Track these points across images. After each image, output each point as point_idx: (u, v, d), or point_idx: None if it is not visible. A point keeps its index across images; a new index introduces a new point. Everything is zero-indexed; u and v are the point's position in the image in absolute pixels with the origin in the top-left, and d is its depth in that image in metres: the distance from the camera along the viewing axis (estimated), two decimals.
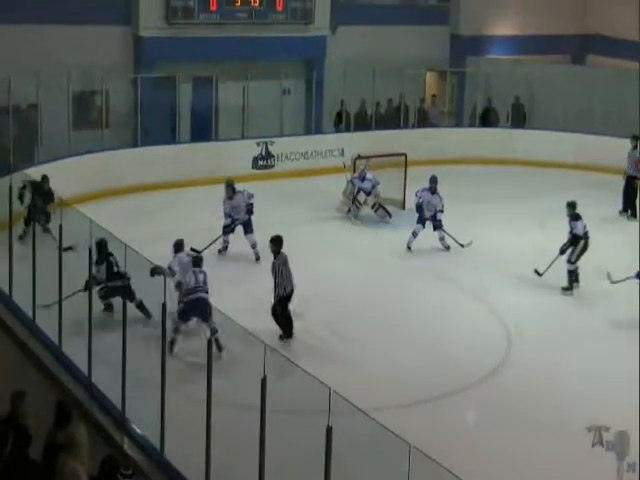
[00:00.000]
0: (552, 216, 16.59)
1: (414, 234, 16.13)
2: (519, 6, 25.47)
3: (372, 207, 17.79)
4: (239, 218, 15.64)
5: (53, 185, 14.63)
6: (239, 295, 12.96)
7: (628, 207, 18.49)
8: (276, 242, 12.28)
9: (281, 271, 12.00)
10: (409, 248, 16.10)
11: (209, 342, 7.86)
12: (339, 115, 22.73)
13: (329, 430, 6.73)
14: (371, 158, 18.70)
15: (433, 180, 16.21)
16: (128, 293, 10.96)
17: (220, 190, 15.98)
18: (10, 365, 10.34)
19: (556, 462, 9.40)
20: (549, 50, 25.39)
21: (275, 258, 12.16)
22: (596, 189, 19.33)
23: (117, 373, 9.00)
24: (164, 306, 8.35)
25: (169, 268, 12.21)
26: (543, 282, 14.47)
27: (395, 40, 23.50)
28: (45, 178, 14.98)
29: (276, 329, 12.12)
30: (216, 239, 15.50)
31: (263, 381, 7.26)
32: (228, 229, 15.68)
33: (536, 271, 14.66)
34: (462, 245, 15.94)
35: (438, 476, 6.25)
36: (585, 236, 14.35)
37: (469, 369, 11.57)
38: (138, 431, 8.71)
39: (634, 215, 18.36)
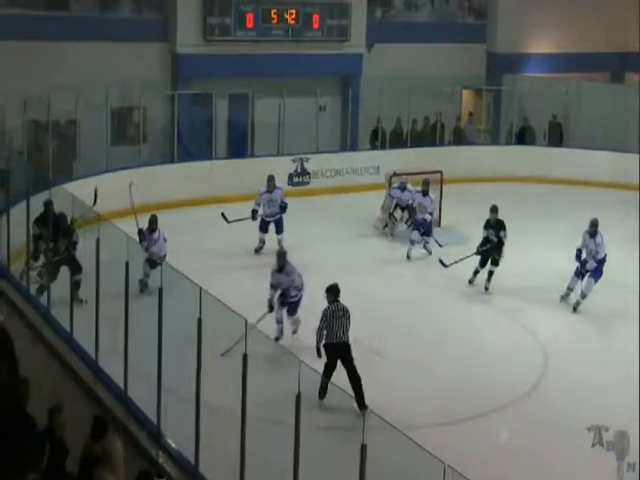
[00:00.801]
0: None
1: (412, 242, 16.51)
2: (557, 23, 25.34)
3: (406, 223, 17.75)
4: (271, 213, 16.13)
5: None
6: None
7: None
8: (332, 291, 11.29)
9: (326, 321, 11.01)
10: (408, 257, 16.43)
11: (244, 357, 7.85)
12: (375, 132, 22.74)
13: (363, 447, 6.72)
14: (406, 175, 18.68)
15: (425, 182, 16.87)
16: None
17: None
18: (48, 379, 10.40)
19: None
20: (587, 68, 25.23)
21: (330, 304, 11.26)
22: (632, 207, 19.17)
23: (153, 387, 9.03)
24: (199, 321, 8.36)
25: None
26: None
27: (431, 57, 23.52)
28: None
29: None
30: (246, 218, 16.21)
31: (298, 397, 7.26)
32: (264, 225, 16.22)
33: (441, 261, 15.19)
34: (440, 245, 16.35)
35: None
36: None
37: (505, 388, 11.51)
38: (173, 445, 8.73)
39: None
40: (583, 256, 14.27)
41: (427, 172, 18.46)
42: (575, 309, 14.22)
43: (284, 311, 12.53)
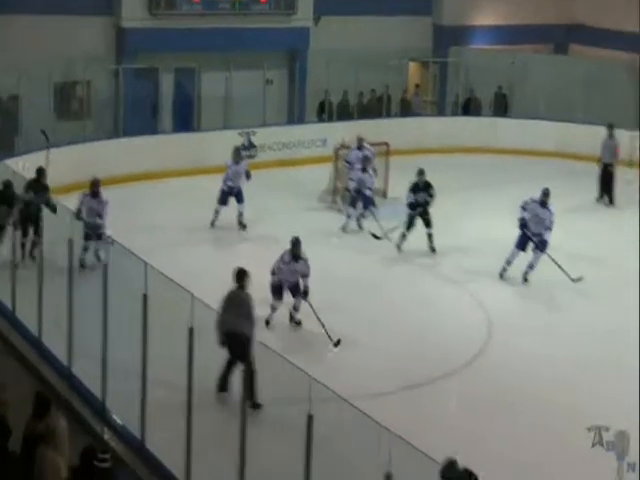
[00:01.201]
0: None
1: (349, 216, 16.55)
2: None
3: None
4: (237, 186, 16.23)
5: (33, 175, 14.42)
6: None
7: (604, 194, 18.62)
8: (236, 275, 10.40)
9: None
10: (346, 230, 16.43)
11: (190, 331, 7.81)
12: (322, 105, 22.70)
13: (310, 418, 6.73)
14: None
15: (364, 159, 16.67)
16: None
17: (202, 180, 15.99)
18: None
19: (535, 444, 9.48)
20: (532, 40, 25.44)
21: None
22: (576, 177, 19.44)
23: (98, 363, 8.96)
24: (145, 297, 8.30)
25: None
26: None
27: (378, 30, 23.49)
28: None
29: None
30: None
31: (245, 372, 7.25)
32: (225, 197, 16.15)
33: (373, 234, 15.44)
34: (378, 237, 15.85)
35: (419, 462, 6.28)
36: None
37: (451, 357, 11.61)
38: (118, 421, 8.68)
39: (611, 202, 18.51)
40: (533, 229, 14.12)
41: (374, 144, 18.48)
42: (526, 279, 14.23)
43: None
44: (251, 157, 20.40)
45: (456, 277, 14.44)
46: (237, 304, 9.88)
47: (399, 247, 15.45)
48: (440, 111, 25.09)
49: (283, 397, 9.13)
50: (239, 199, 16.28)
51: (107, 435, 8.48)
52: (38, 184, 13.79)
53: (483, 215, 17.47)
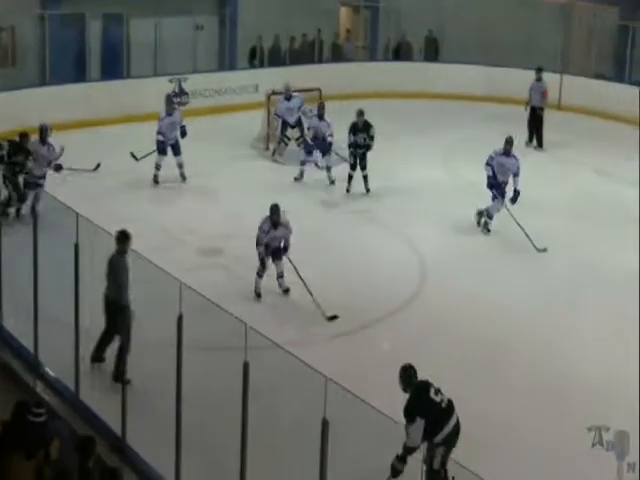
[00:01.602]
0: (463, 147, 17.13)
1: (316, 165, 16.36)
2: None
3: (297, 140, 17.55)
4: (172, 138, 15.84)
5: None
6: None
7: (533, 137, 18.85)
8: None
9: None
10: (300, 178, 16.25)
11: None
12: (253, 51, 22.45)
13: (246, 365, 6.75)
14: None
15: (321, 106, 16.36)
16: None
17: (134, 128, 15.74)
18: None
19: (467, 374, 9.72)
20: None
21: None
22: (505, 120, 19.59)
23: (28, 316, 8.85)
24: (76, 247, 8.19)
25: None
26: (458, 215, 14.65)
27: None
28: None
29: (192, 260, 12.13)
30: (153, 151, 15.70)
31: (179, 319, 7.22)
32: (162, 147, 15.75)
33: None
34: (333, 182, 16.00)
35: (355, 407, 6.35)
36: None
37: (385, 301, 11.69)
38: (51, 373, 8.60)
39: (540, 145, 18.74)
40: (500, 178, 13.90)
41: (306, 90, 18.38)
42: (489, 230, 14.08)
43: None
44: (182, 104, 20.14)
45: (391, 221, 14.48)
46: (113, 271, 9.06)
47: (348, 189, 15.61)
48: (372, 56, 24.99)
49: (218, 345, 9.14)
50: (176, 151, 15.93)
51: (40, 388, 8.40)
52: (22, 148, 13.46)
53: (416, 160, 17.52)
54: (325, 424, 6.08)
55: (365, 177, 15.59)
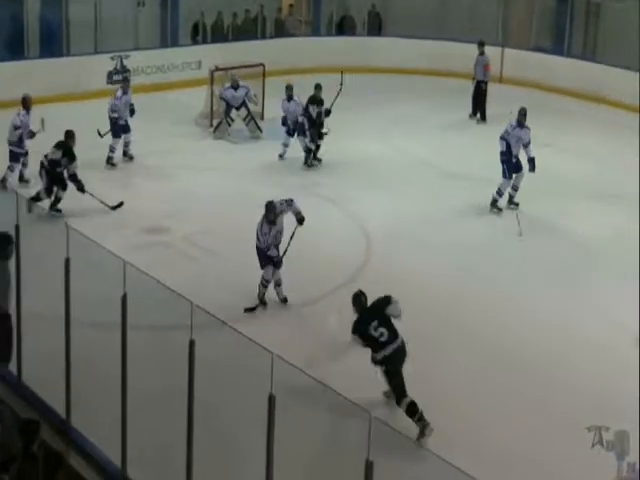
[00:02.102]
0: (407, 121, 17.28)
1: (285, 145, 16.28)
2: None
3: (244, 119, 17.51)
4: (124, 117, 15.81)
5: None
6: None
7: (477, 111, 18.99)
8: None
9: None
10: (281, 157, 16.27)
11: (66, 262, 7.68)
12: (195, 27, 22.27)
13: (192, 343, 6.74)
14: (229, 70, 18.47)
15: (288, 88, 16.24)
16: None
17: (75, 106, 15.51)
18: None
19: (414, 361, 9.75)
20: None
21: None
22: (449, 94, 19.75)
23: None
24: (17, 228, 8.10)
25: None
26: (402, 189, 14.75)
27: None
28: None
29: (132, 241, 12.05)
30: (108, 132, 15.58)
31: (124, 298, 7.19)
32: (118, 128, 15.63)
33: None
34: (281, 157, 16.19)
35: (300, 382, 6.39)
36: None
37: (330, 276, 11.73)
38: None
39: (483, 118, 18.90)
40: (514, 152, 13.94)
41: (250, 65, 18.31)
42: (500, 209, 14.11)
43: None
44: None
45: (337, 196, 14.52)
46: None
47: (311, 163, 15.88)
48: (315, 31, 24.90)
49: (163, 324, 9.12)
50: (126, 129, 15.80)
51: None
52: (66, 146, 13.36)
53: (361, 135, 17.58)
54: (272, 399, 6.11)
55: (318, 147, 15.83)
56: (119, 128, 15.65)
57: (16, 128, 14.15)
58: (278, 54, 20.79)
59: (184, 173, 15.26)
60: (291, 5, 24.54)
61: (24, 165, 14.35)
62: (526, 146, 13.99)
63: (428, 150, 16.65)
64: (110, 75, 19.95)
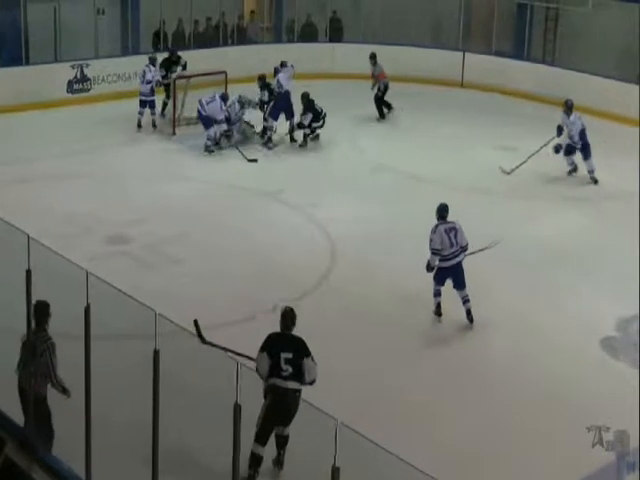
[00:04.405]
0: (369, 126, 17.64)
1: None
2: None
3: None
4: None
5: None
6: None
7: (382, 113, 19.43)
8: None
9: None
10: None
11: (28, 273, 7.59)
12: (157, 35, 22.16)
13: (156, 353, 6.69)
14: (191, 77, 18.46)
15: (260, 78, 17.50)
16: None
17: (35, 115, 15.35)
18: None
19: (381, 366, 9.80)
20: None
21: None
22: (410, 98, 19.91)
23: None
24: (29, 273, 8.01)
25: None
26: (366, 193, 14.80)
27: None
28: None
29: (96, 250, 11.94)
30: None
31: (87, 309, 7.12)
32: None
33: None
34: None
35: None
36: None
37: (295, 283, 11.73)
38: None
39: (382, 116, 19.34)
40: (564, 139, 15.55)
41: (211, 73, 18.28)
42: (596, 181, 15.58)
43: None
44: (85, 91, 19.87)
45: (300, 202, 14.52)
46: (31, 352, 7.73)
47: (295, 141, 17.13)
48: (276, 38, 24.93)
49: (127, 333, 9.06)
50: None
51: None
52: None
53: (323, 140, 17.62)
54: (237, 408, 6.08)
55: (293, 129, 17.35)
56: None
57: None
58: (240, 61, 20.77)
59: (147, 181, 15.19)
60: (252, 12, 24.52)
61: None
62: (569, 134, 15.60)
63: (392, 154, 16.75)
64: (70, 84, 19.81)
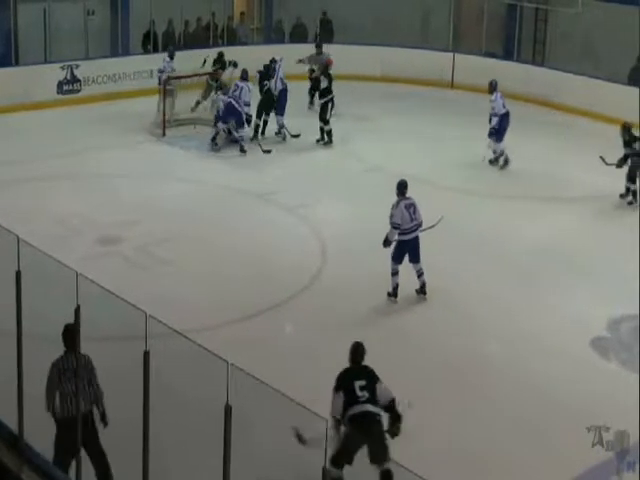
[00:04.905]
0: (360, 127, 17.70)
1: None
2: None
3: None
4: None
5: None
6: None
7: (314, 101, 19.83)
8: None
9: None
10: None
11: (17, 275, 7.56)
12: (147, 35, 22.14)
13: (146, 354, 6.68)
14: (182, 78, 18.44)
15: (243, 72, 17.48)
16: None
17: (25, 117, 15.31)
18: None
19: (374, 365, 9.74)
20: None
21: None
22: (400, 99, 19.92)
23: None
24: (18, 275, 7.99)
25: None
26: (357, 195, 14.81)
27: None
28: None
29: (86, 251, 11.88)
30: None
31: (77, 310, 7.11)
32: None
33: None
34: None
35: (257, 390, 6.36)
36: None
37: (286, 284, 11.74)
38: None
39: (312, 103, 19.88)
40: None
41: (202, 74, 18.28)
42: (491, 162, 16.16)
43: None
44: (75, 92, 19.84)
45: (293, 203, 14.52)
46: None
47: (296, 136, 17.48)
48: (266, 39, 24.91)
49: (118, 334, 9.04)
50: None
51: None
52: None
53: (314, 141, 17.66)
54: (228, 409, 6.07)
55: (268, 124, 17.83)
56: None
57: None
58: None
59: (138, 182, 15.17)
60: (242, 13, 24.51)
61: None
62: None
63: (383, 155, 16.77)
64: (61, 85, 19.78)
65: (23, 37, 20.12)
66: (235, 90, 17.14)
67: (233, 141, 17.05)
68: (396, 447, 7.46)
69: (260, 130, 17.67)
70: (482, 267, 12.26)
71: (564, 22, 22.06)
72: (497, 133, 16.02)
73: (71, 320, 7.10)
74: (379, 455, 7.47)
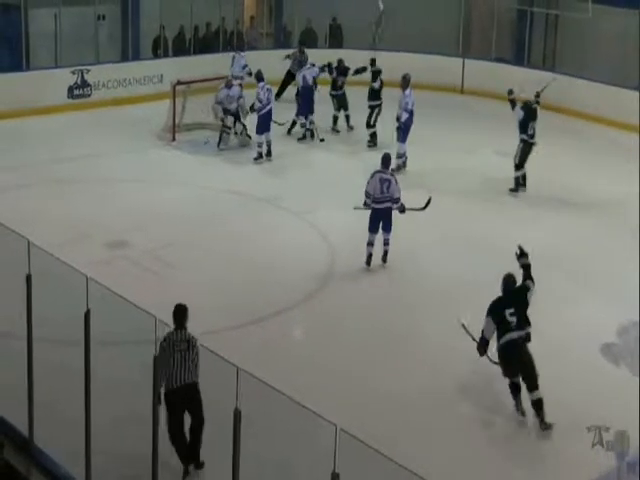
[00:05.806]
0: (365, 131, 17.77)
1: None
2: None
3: (240, 133, 17.50)
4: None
5: None
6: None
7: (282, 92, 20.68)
8: None
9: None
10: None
11: (28, 278, 7.59)
12: (157, 40, 22.19)
13: (156, 359, 6.71)
14: (191, 83, 18.44)
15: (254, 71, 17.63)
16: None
17: (35, 121, 15.35)
18: None
19: (381, 370, 9.79)
20: None
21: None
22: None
23: None
24: (29, 278, 8.02)
25: None
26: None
27: None
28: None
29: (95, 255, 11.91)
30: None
31: (86, 314, 7.13)
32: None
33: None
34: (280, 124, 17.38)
35: (267, 395, 6.37)
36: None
37: (294, 289, 11.72)
38: None
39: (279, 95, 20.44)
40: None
41: (212, 79, 18.28)
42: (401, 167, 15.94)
43: None
44: (85, 96, 19.89)
45: (298, 208, 14.49)
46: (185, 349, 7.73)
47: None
48: (276, 44, 24.95)
49: (127, 339, 9.06)
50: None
51: None
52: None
53: (321, 145, 17.75)
54: (237, 414, 6.08)
55: (347, 116, 18.84)
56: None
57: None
58: None
59: (146, 187, 15.19)
60: (252, 18, 24.54)
61: None
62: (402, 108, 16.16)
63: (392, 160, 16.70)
64: (71, 89, 19.83)
65: (34, 42, 20.19)
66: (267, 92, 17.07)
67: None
68: (399, 447, 7.45)
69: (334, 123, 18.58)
70: (489, 274, 12.23)
71: (574, 27, 22.02)
72: (404, 132, 15.94)
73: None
74: (531, 384, 8.78)
